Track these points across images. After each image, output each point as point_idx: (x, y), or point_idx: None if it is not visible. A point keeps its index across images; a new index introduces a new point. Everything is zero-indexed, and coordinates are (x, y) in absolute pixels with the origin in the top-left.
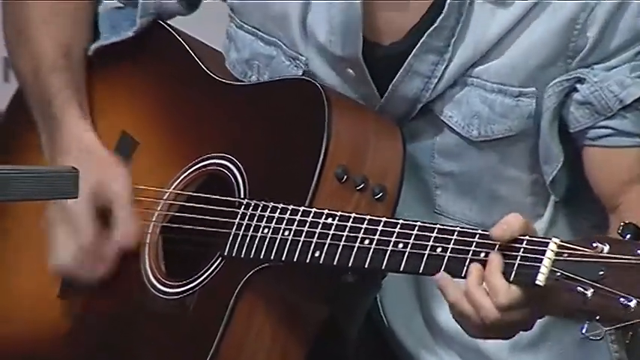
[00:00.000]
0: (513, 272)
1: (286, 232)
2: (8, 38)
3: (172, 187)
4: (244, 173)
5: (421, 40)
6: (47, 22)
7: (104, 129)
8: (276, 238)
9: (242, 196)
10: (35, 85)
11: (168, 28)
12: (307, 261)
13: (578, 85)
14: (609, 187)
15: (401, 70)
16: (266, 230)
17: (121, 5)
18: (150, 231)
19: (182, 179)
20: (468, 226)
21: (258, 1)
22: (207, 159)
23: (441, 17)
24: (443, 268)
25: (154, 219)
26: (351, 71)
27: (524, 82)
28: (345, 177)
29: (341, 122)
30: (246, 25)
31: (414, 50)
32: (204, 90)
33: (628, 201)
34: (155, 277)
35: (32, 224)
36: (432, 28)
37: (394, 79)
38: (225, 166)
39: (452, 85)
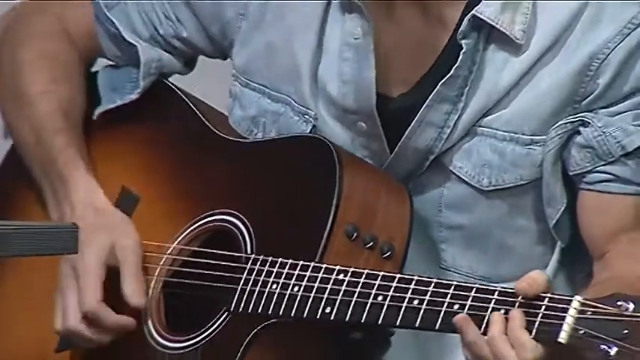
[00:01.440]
0: (534, 329)
1: (296, 288)
2: (5, 108)
3: (176, 242)
4: (251, 229)
5: (435, 89)
6: (46, 91)
7: (105, 186)
8: (285, 294)
9: (249, 252)
10: (38, 146)
11: (171, 85)
12: (317, 317)
13: (581, 128)
14: (599, 233)
15: (414, 121)
16: (274, 286)
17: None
18: (153, 286)
19: (186, 234)
20: (479, 282)
21: (268, 58)
22: (213, 215)
23: (455, 66)
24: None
25: (156, 274)
26: (363, 124)
27: (536, 130)
28: (355, 235)
29: (352, 180)
30: (252, 83)
31: (428, 100)
32: (207, 145)
33: (616, 250)
34: (157, 332)
35: (32, 281)
36: (446, 77)
37: (407, 131)
38: (231, 222)
39: (464, 136)
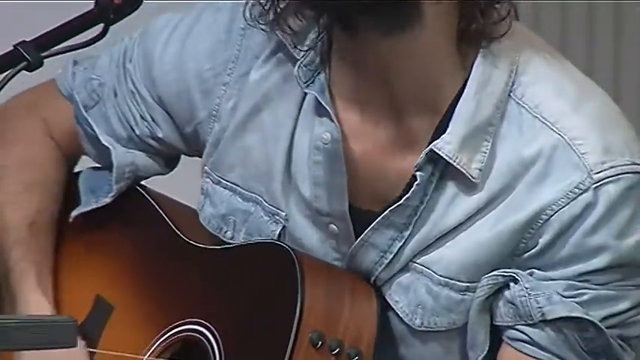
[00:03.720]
0: None
1: None
2: None
3: (148, 353)
4: (219, 339)
5: (383, 214)
6: (15, 201)
7: (79, 293)
8: None
9: None
10: None
11: (141, 191)
12: None
13: (511, 284)
14: None
15: (359, 239)
16: None
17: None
18: None
19: (158, 345)
20: None
21: (242, 157)
22: (183, 324)
23: (405, 196)
24: None
25: None
26: (335, 227)
27: (471, 278)
28: (320, 342)
29: (314, 287)
30: (224, 181)
31: (374, 223)
32: (177, 254)
33: None
34: None
35: None
36: (395, 205)
37: (351, 247)
38: (201, 331)
39: (403, 269)
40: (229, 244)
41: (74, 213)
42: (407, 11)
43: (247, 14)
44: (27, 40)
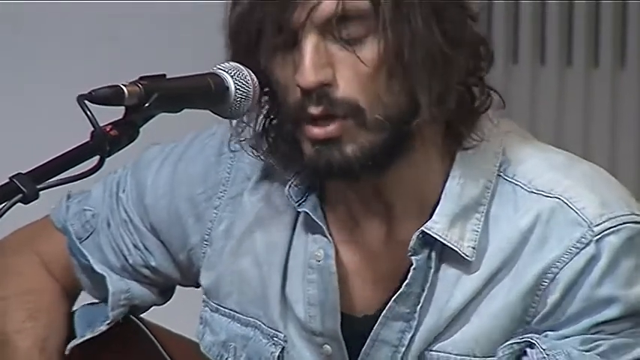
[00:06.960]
0: None
1: None
2: None
3: None
4: None
5: (388, 306)
6: (22, 329)
7: None
8: None
9: None
10: None
11: (137, 322)
12: None
13: (527, 349)
14: None
15: (369, 339)
16: None
17: (95, 302)
18: None
19: None
20: None
21: (237, 282)
22: None
23: (405, 283)
24: None
25: None
26: (329, 347)
27: (487, 352)
28: None
29: None
30: (222, 308)
31: (381, 317)
32: None
33: None
34: None
35: None
36: (397, 294)
37: (362, 350)
38: None
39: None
40: None
41: (71, 344)
42: (401, 149)
43: (232, 146)
44: (22, 172)
